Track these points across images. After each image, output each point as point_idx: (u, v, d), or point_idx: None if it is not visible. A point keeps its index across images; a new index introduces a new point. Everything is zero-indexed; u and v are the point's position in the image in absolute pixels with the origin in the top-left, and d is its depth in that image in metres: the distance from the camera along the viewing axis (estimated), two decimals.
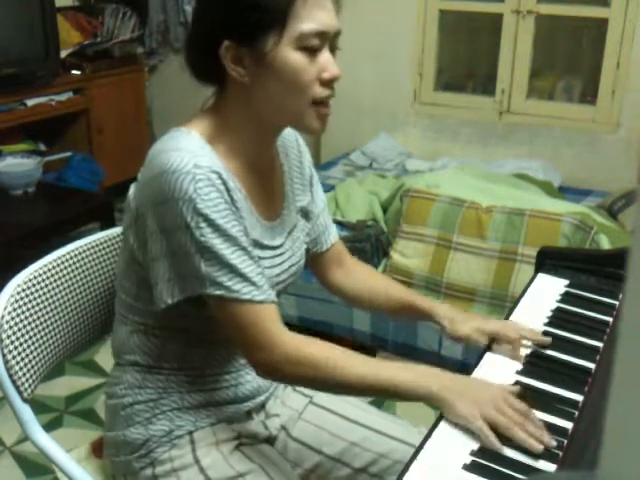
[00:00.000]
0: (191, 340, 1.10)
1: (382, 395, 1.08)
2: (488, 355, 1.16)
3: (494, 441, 0.93)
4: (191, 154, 0.97)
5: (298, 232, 1.19)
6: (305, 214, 1.22)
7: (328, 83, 1.02)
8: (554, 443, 0.94)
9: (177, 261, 0.99)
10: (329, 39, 1.02)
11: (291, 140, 1.21)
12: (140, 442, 1.11)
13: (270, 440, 1.20)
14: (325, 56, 1.01)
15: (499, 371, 1.12)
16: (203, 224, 0.95)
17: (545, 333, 1.22)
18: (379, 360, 1.08)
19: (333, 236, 1.29)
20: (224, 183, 0.98)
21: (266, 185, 1.12)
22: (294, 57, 0.99)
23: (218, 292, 0.97)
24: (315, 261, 1.30)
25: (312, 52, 1.00)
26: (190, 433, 1.11)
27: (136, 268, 1.07)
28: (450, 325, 1.20)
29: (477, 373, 1.11)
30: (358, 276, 1.31)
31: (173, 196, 0.95)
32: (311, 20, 0.98)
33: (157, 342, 1.10)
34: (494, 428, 0.95)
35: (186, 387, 1.12)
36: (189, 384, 1.12)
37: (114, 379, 1.16)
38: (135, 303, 1.10)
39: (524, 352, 1.17)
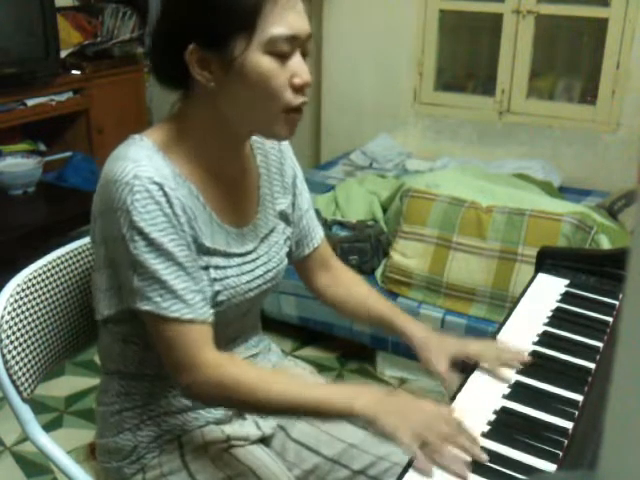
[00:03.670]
0: None
1: (305, 413, 1.00)
2: None
3: (424, 462, 0.89)
4: (134, 164, 0.95)
5: (277, 236, 1.16)
6: (285, 218, 1.19)
7: (300, 89, 0.97)
8: (485, 457, 0.91)
9: (114, 273, 0.98)
10: (300, 44, 0.97)
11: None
12: (130, 448, 1.11)
13: (265, 440, 1.18)
14: (296, 61, 0.97)
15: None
16: (137, 237, 0.94)
17: (545, 333, 1.22)
18: (305, 380, 1.04)
19: (317, 239, 1.25)
20: (165, 195, 0.95)
21: (235, 190, 1.09)
22: (263, 62, 0.94)
23: (147, 307, 0.96)
24: (299, 265, 1.27)
25: (282, 57, 0.95)
26: (178, 437, 1.11)
27: None
28: (421, 352, 1.13)
29: (475, 374, 1.11)
30: (343, 283, 1.28)
31: (112, 206, 0.94)
32: (281, 23, 0.94)
33: (137, 350, 1.09)
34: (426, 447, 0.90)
35: (171, 392, 1.11)
36: (174, 389, 1.10)
37: (102, 387, 1.16)
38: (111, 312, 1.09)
39: (509, 373, 1.10)
